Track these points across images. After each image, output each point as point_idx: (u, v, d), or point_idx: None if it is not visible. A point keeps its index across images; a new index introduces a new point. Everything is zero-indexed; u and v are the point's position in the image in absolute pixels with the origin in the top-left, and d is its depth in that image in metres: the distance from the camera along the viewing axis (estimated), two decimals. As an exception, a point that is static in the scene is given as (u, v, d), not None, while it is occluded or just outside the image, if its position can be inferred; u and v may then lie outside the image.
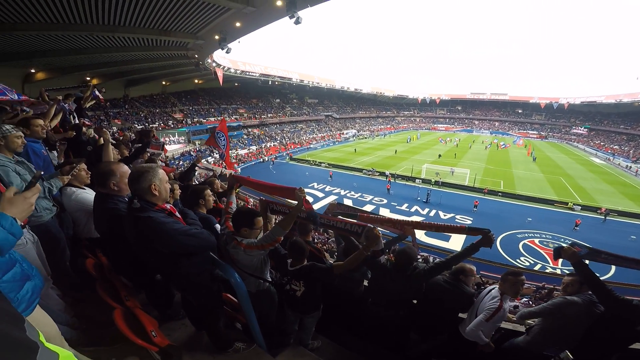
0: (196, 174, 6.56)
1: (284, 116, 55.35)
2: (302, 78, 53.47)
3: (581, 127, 63.83)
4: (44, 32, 12.03)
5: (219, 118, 41.61)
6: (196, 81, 40.76)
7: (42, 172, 2.03)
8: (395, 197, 24.58)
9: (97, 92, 7.57)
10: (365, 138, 61.42)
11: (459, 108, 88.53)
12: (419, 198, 24.19)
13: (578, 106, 67.13)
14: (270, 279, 2.62)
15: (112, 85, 29.00)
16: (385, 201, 23.56)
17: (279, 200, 4.35)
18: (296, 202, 2.48)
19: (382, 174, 31.01)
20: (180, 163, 27.99)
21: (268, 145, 44.83)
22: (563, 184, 29.70)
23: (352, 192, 25.56)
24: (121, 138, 6.36)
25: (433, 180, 28.23)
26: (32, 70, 20.25)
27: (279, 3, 11.15)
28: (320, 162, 36.48)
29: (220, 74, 30.02)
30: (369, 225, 2.53)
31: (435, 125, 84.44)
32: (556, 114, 71.63)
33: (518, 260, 15.51)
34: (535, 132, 71.74)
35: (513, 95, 79.05)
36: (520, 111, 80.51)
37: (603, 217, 21.18)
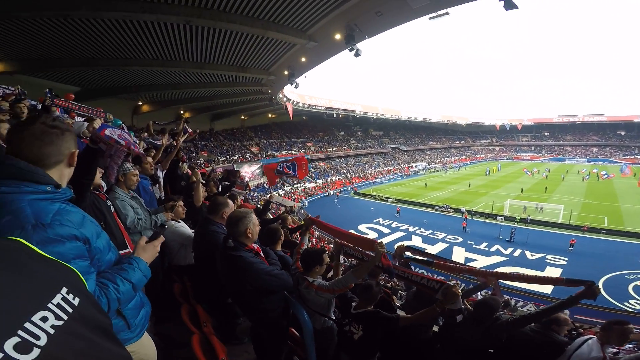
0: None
1: (348, 149, 55.61)
2: (366, 110, 53.65)
3: None
4: (148, 67, 14.59)
5: (290, 151, 44.06)
6: (270, 115, 43.99)
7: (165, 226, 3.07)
8: (473, 235, 22.44)
9: (187, 128, 8.46)
10: (437, 171, 58.08)
11: (546, 133, 78.93)
12: (500, 237, 21.70)
13: None
14: (334, 318, 2.68)
15: (200, 119, 33.00)
16: (460, 239, 21.66)
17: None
18: (374, 254, 2.55)
19: (457, 210, 28.61)
20: (255, 194, 29.90)
21: (333, 178, 45.35)
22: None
23: (422, 229, 24.04)
24: (210, 176, 7.13)
25: (518, 217, 25.04)
26: (139, 103, 24.50)
27: (337, 37, 11.59)
28: (387, 197, 35.39)
29: (290, 108, 31.95)
30: (448, 282, 2.48)
31: (519, 154, 76.14)
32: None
33: (625, 303, 13.58)
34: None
35: (611, 115, 68.27)
36: (623, 133, 68.43)
37: None
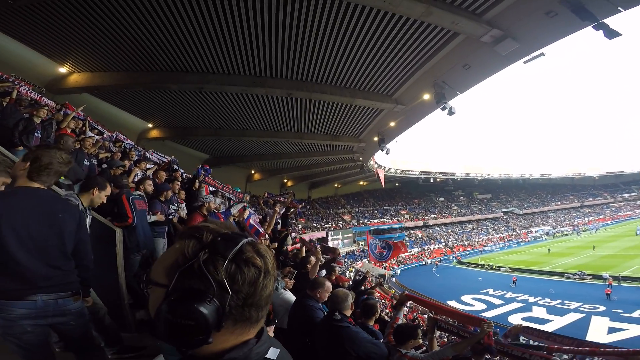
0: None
1: (449, 216, 51.88)
2: (468, 171, 50.15)
3: None
4: (260, 137, 18.04)
5: (382, 220, 43.80)
6: (361, 183, 45.38)
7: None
8: (620, 303, 17.75)
9: (295, 202, 9.07)
10: (566, 235, 48.32)
11: None
12: None
13: None
14: None
15: (300, 187, 36.94)
16: (602, 308, 17.36)
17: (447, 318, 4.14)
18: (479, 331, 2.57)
19: (596, 276, 23.30)
20: (345, 261, 30.34)
21: (432, 247, 42.40)
22: None
23: (547, 299, 20.11)
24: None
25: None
26: (252, 172, 29.34)
27: (426, 97, 11.73)
28: (500, 266, 31.13)
29: (381, 174, 32.25)
30: (554, 357, 2.43)
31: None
32: None
33: None
34: None
35: None
36: None
37: None
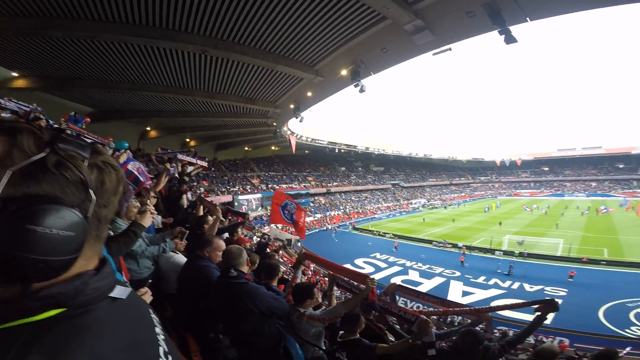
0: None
1: (348, 185, 56.07)
2: (368, 145, 54.67)
3: None
4: (162, 93, 15.44)
5: (291, 185, 44.57)
6: (273, 148, 44.78)
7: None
8: (471, 269, 22.46)
9: (200, 161, 8.43)
10: (436, 208, 58.37)
11: (546, 169, 79.18)
12: (499, 270, 21.73)
13: None
14: (324, 348, 2.78)
15: (205, 148, 34.00)
16: (457, 274, 21.70)
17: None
18: (363, 287, 2.80)
19: (455, 245, 28.89)
20: (253, 227, 30.16)
21: (332, 213, 45.34)
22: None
23: (419, 264, 24.10)
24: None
25: (517, 251, 25.12)
26: (148, 128, 25.42)
27: (343, 72, 12.00)
28: (385, 233, 35.52)
29: (293, 141, 32.53)
30: (422, 316, 2.72)
31: (518, 190, 76.14)
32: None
33: (627, 330, 13.89)
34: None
35: (610, 147, 68.64)
36: (621, 166, 67.71)
37: None
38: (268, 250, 6.41)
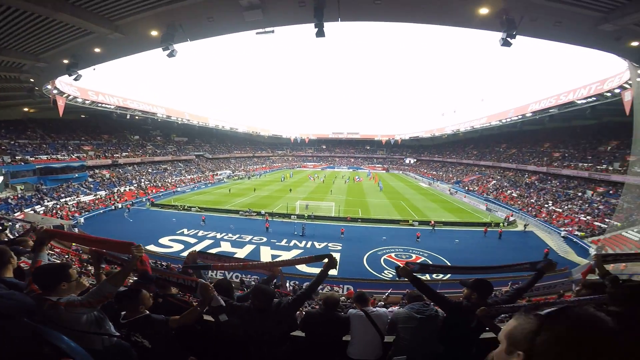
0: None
1: (144, 156, 49.27)
2: (170, 114, 49.80)
3: (411, 160, 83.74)
4: None
5: (56, 156, 33.96)
6: (26, 109, 32.99)
7: None
8: (274, 234, 25.07)
9: None
10: (241, 179, 60.87)
11: (324, 147, 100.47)
12: (295, 232, 25.34)
13: (408, 141, 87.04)
14: (118, 334, 2.28)
15: None
16: (265, 239, 23.70)
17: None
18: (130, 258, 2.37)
19: (259, 213, 31.34)
20: None
21: (122, 189, 38.64)
22: (403, 206, 36.99)
23: (230, 235, 24.69)
24: None
25: (306, 214, 30.34)
26: None
27: (154, 33, 10.49)
28: (191, 207, 33.87)
29: (61, 103, 25.43)
30: (201, 280, 2.54)
31: (305, 163, 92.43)
32: (393, 148, 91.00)
33: (382, 273, 17.88)
34: (380, 165, 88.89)
35: (364, 134, 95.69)
36: (368, 148, 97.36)
37: (432, 228, 27.21)
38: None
